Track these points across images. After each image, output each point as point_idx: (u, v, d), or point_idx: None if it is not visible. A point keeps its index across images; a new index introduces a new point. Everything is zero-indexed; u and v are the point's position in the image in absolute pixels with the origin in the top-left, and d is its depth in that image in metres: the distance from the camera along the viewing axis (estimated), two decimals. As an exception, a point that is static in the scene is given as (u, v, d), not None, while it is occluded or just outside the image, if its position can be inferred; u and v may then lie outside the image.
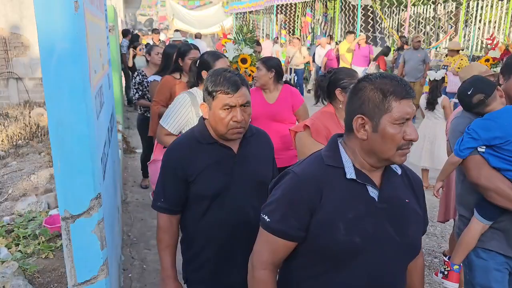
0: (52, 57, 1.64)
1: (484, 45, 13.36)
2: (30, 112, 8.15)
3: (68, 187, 1.75)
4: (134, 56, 8.60)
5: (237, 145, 1.94)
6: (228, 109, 1.82)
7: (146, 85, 4.73)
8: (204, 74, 3.14)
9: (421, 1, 11.90)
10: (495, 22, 12.41)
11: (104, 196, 2.38)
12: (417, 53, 8.19)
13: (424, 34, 12.66)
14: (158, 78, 4.26)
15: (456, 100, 5.31)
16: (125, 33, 9.80)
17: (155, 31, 11.23)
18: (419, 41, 8.33)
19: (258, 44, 5.94)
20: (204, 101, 1.93)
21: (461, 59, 7.72)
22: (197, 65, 3.29)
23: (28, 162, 5.61)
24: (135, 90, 4.83)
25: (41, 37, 1.62)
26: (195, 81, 3.21)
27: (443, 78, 5.00)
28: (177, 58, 3.67)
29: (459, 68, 7.57)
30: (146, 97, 4.77)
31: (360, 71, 9.91)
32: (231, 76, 1.83)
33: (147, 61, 5.06)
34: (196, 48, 4.08)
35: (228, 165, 1.90)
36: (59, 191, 1.77)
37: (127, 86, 9.45)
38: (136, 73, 4.92)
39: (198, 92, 2.90)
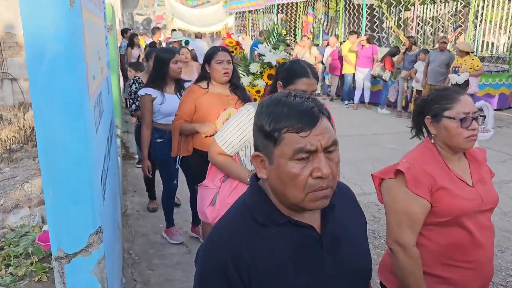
0: (41, 62, 1.34)
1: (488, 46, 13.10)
2: (25, 115, 7.82)
3: (62, 221, 1.45)
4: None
5: (317, 217, 1.13)
6: (303, 158, 1.01)
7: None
8: (207, 67, 3.02)
9: (429, 0, 11.61)
10: (496, 23, 12.14)
11: (104, 222, 2.07)
12: (441, 55, 7.81)
13: (430, 34, 12.39)
14: (150, 91, 3.57)
15: (481, 105, 5.05)
16: (123, 33, 9.46)
17: (156, 29, 10.86)
18: (445, 42, 7.98)
19: (287, 45, 5.42)
20: (257, 149, 1.10)
21: (472, 59, 7.43)
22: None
23: (22, 168, 5.29)
24: (131, 100, 4.20)
25: (28, 37, 1.31)
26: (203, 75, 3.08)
27: (466, 82, 4.65)
28: (204, 64, 3.05)
29: (471, 68, 7.30)
30: None
31: (364, 72, 9.61)
32: (301, 102, 1.03)
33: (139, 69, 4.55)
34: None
35: (314, 257, 1.09)
36: (50, 225, 1.46)
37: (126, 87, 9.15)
38: (131, 80, 4.28)
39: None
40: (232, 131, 2.24)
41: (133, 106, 4.20)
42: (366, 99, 9.87)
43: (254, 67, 3.32)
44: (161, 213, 4.28)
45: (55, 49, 1.32)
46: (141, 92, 3.60)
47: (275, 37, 3.41)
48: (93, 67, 2.19)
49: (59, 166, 1.41)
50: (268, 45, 3.33)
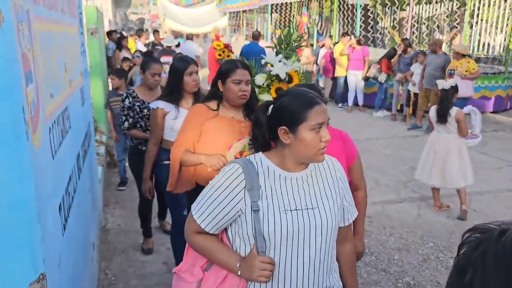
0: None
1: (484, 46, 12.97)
2: None
3: (-4, 271, 1.26)
4: (129, 69, 6.92)
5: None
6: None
7: (138, 110, 3.52)
8: (220, 84, 2.42)
9: (424, 0, 11.44)
10: (492, 23, 12.01)
11: (63, 255, 1.89)
12: (437, 58, 7.63)
13: (426, 36, 12.23)
14: (163, 104, 3.05)
15: (468, 110, 4.89)
16: (108, 34, 9.23)
17: (140, 31, 10.50)
18: (436, 45, 7.78)
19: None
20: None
21: (468, 62, 7.27)
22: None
23: None
24: (124, 117, 3.55)
25: None
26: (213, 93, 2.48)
27: (454, 87, 4.49)
28: (216, 81, 2.45)
29: (466, 71, 7.14)
30: (139, 125, 3.55)
31: (357, 75, 9.41)
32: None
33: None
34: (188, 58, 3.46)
35: None
36: (-17, 275, 1.28)
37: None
38: (124, 94, 3.64)
39: (263, 159, 1.56)
40: (215, 201, 1.52)
41: (126, 124, 3.55)
42: (360, 102, 9.71)
43: (260, 79, 2.81)
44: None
45: (-22, 77, 1.13)
46: (153, 105, 3.10)
47: (288, 44, 2.85)
48: (52, 84, 2.00)
49: (-9, 209, 1.22)
50: (273, 52, 2.83)
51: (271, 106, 1.52)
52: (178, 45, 12.00)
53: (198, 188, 2.43)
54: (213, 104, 2.47)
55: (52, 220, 1.69)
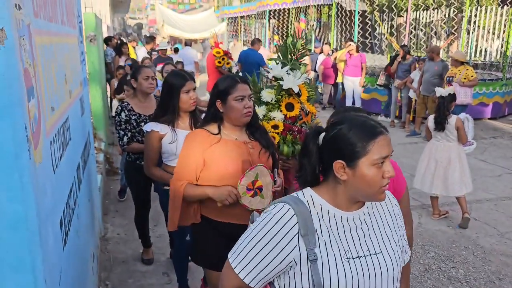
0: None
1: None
2: None
3: (-4, 292, 1.24)
4: (123, 77, 6.51)
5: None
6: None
7: (135, 124, 3.32)
8: (219, 104, 2.16)
9: (422, 7, 11.49)
10: (489, 29, 12.06)
11: (64, 269, 1.86)
12: (434, 65, 7.64)
13: (423, 42, 12.26)
14: (157, 126, 2.73)
15: (461, 117, 4.88)
16: (107, 41, 9.22)
17: (150, 39, 10.33)
18: (433, 51, 7.80)
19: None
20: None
21: (467, 69, 7.27)
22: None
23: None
24: (122, 132, 3.32)
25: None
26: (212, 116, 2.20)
27: (452, 95, 4.48)
28: (214, 101, 2.20)
29: (465, 78, 7.15)
30: (135, 140, 3.34)
31: (354, 81, 9.39)
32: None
33: (133, 87, 3.47)
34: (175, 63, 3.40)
35: None
36: (-17, 297, 1.26)
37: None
38: (119, 107, 3.35)
39: (314, 196, 1.33)
40: (262, 251, 1.26)
41: (125, 139, 3.32)
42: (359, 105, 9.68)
43: (268, 95, 2.57)
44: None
45: (-21, 96, 1.11)
46: (147, 127, 2.76)
47: (293, 54, 2.61)
48: (52, 97, 1.98)
49: (-9, 230, 1.20)
50: (278, 63, 2.58)
51: (323, 134, 1.31)
52: (176, 51, 12.03)
53: (203, 222, 2.25)
54: (213, 128, 2.19)
55: (53, 237, 1.66)
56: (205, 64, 8.43)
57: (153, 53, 9.94)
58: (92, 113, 5.35)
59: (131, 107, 3.35)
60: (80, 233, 2.56)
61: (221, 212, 2.12)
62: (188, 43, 11.81)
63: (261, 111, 2.57)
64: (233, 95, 2.12)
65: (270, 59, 2.76)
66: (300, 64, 2.63)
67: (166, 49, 9.12)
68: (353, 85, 9.39)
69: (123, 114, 3.31)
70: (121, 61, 8.37)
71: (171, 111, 2.73)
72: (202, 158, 2.12)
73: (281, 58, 2.63)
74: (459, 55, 7.39)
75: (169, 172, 2.69)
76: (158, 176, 2.82)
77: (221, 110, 2.17)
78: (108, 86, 8.93)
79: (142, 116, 3.34)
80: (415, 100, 8.33)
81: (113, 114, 6.51)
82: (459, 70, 7.24)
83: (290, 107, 2.57)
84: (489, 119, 9.41)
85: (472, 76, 7.09)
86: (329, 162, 1.27)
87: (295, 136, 2.53)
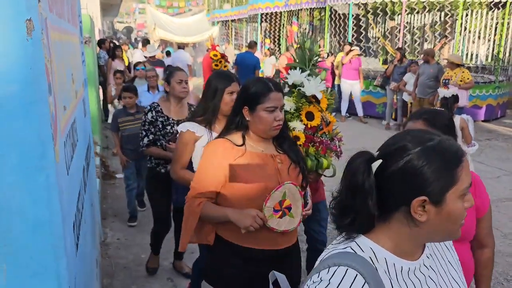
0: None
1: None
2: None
3: (19, 301, 1.16)
4: (133, 79, 6.47)
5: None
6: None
7: (160, 126, 3.13)
8: (246, 112, 1.89)
9: (415, 10, 11.59)
10: (480, 33, 12.23)
11: (78, 274, 1.78)
12: (429, 68, 7.68)
13: (418, 45, 12.35)
14: (194, 127, 2.49)
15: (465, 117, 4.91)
16: (100, 43, 9.11)
17: (146, 42, 10.26)
18: (428, 54, 7.85)
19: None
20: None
21: (463, 72, 7.31)
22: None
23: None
24: (143, 132, 3.15)
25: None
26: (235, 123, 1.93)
27: (455, 96, 4.51)
28: (240, 106, 1.92)
29: (461, 81, 7.19)
30: (159, 144, 3.15)
31: (352, 84, 9.37)
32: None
33: (165, 91, 3.24)
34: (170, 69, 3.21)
35: None
36: (4, 306, 1.17)
37: (105, 99, 8.77)
38: (148, 107, 3.19)
39: (375, 248, 1.05)
40: None
41: (146, 140, 3.14)
42: (360, 113, 9.58)
43: (289, 103, 2.38)
44: (143, 241, 3.99)
45: (7, 91, 1.04)
46: (182, 127, 2.51)
47: (310, 59, 2.46)
48: (64, 95, 1.90)
49: (13, 233, 1.13)
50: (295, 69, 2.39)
51: (378, 164, 0.99)
52: (168, 54, 11.95)
53: (220, 244, 1.94)
54: (237, 138, 1.91)
55: (69, 240, 1.59)
56: (196, 67, 8.38)
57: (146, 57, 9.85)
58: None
59: (161, 108, 3.15)
60: (86, 238, 2.47)
61: (243, 236, 1.82)
62: (181, 46, 11.73)
63: (298, 125, 2.40)
64: (264, 104, 1.84)
65: (289, 65, 2.66)
66: (316, 69, 2.51)
67: (155, 56, 9.02)
68: (352, 88, 9.36)
69: (149, 115, 3.14)
70: (119, 65, 8.26)
71: (211, 112, 2.46)
72: (224, 173, 1.84)
73: (299, 63, 2.48)
74: (455, 57, 7.43)
75: None
76: (186, 179, 2.44)
77: (247, 119, 1.89)
78: (100, 89, 8.82)
79: (171, 119, 3.13)
80: (410, 103, 8.36)
81: (109, 119, 6.43)
82: (455, 73, 7.27)
83: (310, 116, 2.40)
84: (482, 121, 9.49)
85: (468, 78, 7.13)
86: (395, 200, 0.99)
87: (318, 148, 2.38)
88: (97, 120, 6.56)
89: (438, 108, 1.79)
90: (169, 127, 3.11)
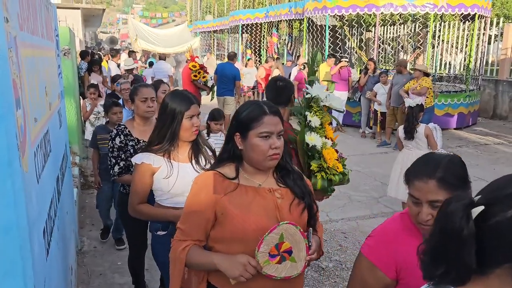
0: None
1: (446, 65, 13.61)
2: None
3: (-13, 297, 1.27)
4: (112, 94, 6.22)
5: None
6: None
7: (132, 151, 2.83)
8: (238, 139, 1.65)
9: (389, 22, 11.98)
10: (453, 43, 12.67)
11: (47, 279, 1.88)
12: (402, 77, 7.98)
13: (392, 56, 12.73)
14: (150, 158, 2.27)
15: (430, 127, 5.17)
16: (83, 55, 9.17)
17: (115, 51, 10.36)
18: (400, 65, 8.15)
19: None
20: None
21: (423, 80, 7.62)
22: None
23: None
24: (113, 160, 2.85)
25: None
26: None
27: (420, 106, 4.75)
28: (231, 133, 1.68)
29: (419, 87, 7.53)
30: (132, 169, 2.68)
31: (341, 95, 9.52)
32: None
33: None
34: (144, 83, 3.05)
35: None
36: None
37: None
38: (114, 131, 2.90)
39: None
40: None
41: (117, 168, 2.85)
42: (340, 121, 9.76)
43: (317, 120, 2.31)
44: (120, 249, 4.07)
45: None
46: (136, 159, 2.27)
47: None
48: (35, 108, 2.01)
49: (-17, 236, 1.24)
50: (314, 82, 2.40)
51: (480, 209, 0.85)
52: (151, 65, 12.04)
53: None
54: (229, 170, 1.66)
55: (38, 245, 1.69)
56: (179, 77, 8.49)
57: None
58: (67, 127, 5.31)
59: (129, 131, 2.87)
60: (60, 245, 2.56)
61: (237, 285, 1.56)
62: (162, 57, 11.85)
63: (316, 140, 2.32)
64: (257, 130, 1.59)
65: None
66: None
67: (132, 69, 8.84)
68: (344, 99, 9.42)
69: (117, 140, 2.84)
70: (94, 79, 8.29)
71: (169, 139, 2.25)
72: (213, 210, 1.60)
73: (314, 77, 2.50)
74: (421, 66, 7.75)
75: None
76: (146, 213, 2.33)
77: (240, 147, 1.65)
78: (81, 101, 8.86)
79: (141, 141, 2.85)
80: (380, 112, 8.61)
81: (86, 136, 6.33)
82: (419, 84, 7.59)
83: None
84: (454, 129, 9.81)
85: (422, 86, 7.48)
86: (498, 255, 0.84)
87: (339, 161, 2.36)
88: (76, 131, 6.62)
89: (441, 152, 1.47)
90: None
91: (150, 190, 2.33)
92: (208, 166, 2.26)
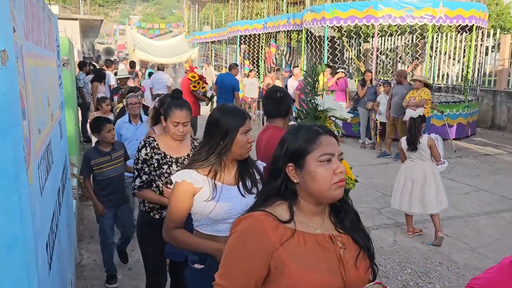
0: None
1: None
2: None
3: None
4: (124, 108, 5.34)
5: None
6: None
7: (156, 165, 2.65)
8: (292, 171, 1.36)
9: (387, 33, 12.05)
10: (450, 54, 12.75)
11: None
12: (403, 88, 7.99)
13: (390, 66, 12.79)
14: (192, 176, 1.96)
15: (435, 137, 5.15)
16: (81, 65, 9.15)
17: (109, 62, 10.35)
18: (400, 75, 8.15)
19: None
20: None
21: (422, 91, 7.61)
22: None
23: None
24: (136, 172, 2.67)
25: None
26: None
27: (422, 117, 4.73)
28: (282, 164, 1.39)
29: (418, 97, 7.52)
30: (155, 186, 2.70)
31: (342, 105, 9.52)
32: None
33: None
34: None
35: None
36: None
37: (84, 120, 8.77)
38: (142, 142, 2.69)
39: None
40: None
41: (138, 181, 2.66)
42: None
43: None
44: (119, 261, 4.00)
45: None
46: (176, 177, 1.96)
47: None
48: (39, 118, 1.97)
49: (-13, 251, 1.19)
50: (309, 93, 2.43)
51: None
52: (150, 75, 12.04)
53: None
54: (281, 210, 1.34)
55: (41, 259, 1.64)
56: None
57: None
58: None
59: (157, 144, 2.66)
60: (60, 258, 2.50)
61: None
62: (160, 67, 11.85)
63: None
64: (314, 154, 1.32)
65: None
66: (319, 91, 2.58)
67: (127, 78, 8.55)
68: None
69: (143, 152, 2.65)
70: (102, 88, 8.24)
71: (217, 156, 1.95)
72: (267, 265, 1.28)
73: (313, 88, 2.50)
74: (422, 77, 7.74)
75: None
76: (182, 241, 2.01)
77: (295, 181, 1.34)
78: (79, 111, 8.81)
79: (168, 157, 2.65)
80: (380, 122, 8.61)
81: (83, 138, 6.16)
82: (419, 94, 7.58)
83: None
84: (453, 140, 9.81)
85: (420, 96, 7.47)
86: None
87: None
88: (75, 142, 6.57)
89: None
90: (165, 166, 2.64)
91: (188, 216, 2.02)
92: (255, 190, 2.01)
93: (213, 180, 1.95)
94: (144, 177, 2.65)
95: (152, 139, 2.68)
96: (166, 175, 2.62)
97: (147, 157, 2.64)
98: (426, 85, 7.78)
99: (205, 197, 1.93)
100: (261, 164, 2.12)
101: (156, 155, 2.64)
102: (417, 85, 7.74)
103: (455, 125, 9.82)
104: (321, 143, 1.33)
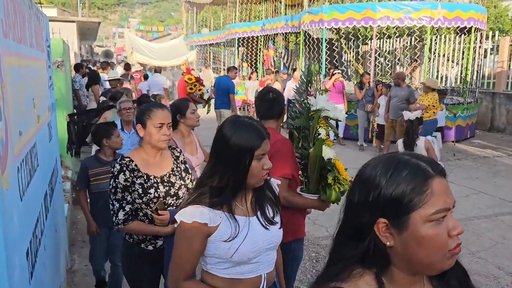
0: None
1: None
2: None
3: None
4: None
5: None
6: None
7: (140, 191, 2.21)
8: (384, 229, 0.90)
9: (385, 35, 12.00)
10: (448, 56, 12.69)
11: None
12: (401, 90, 7.93)
13: (389, 69, 12.74)
14: (203, 214, 1.55)
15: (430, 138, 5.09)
16: (77, 67, 9.08)
17: (105, 64, 10.26)
18: (398, 78, 8.09)
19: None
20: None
21: (432, 95, 7.50)
22: None
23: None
24: (117, 204, 2.21)
25: None
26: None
27: (419, 119, 4.67)
28: (368, 220, 0.92)
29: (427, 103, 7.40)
30: (142, 214, 2.25)
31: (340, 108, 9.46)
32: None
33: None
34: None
35: None
36: None
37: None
38: (117, 166, 2.22)
39: None
40: None
41: (121, 214, 2.21)
42: (340, 134, 9.68)
43: (322, 132, 2.34)
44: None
45: None
46: (183, 216, 1.55)
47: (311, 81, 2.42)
48: (20, 121, 1.89)
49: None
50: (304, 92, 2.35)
51: None
52: (146, 78, 11.96)
53: None
54: (366, 284, 0.94)
55: (19, 269, 1.55)
56: (174, 91, 8.40)
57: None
58: (58, 140, 5.18)
59: (135, 165, 2.22)
60: (47, 265, 2.42)
61: None
62: (157, 70, 11.78)
63: (329, 152, 2.24)
64: (425, 210, 0.89)
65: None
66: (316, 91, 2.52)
67: (117, 80, 8.27)
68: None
69: (121, 177, 2.18)
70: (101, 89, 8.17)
71: (234, 187, 1.57)
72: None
73: (304, 87, 2.45)
74: (431, 82, 7.58)
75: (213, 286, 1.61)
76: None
77: (388, 243, 0.92)
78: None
79: (152, 178, 2.24)
80: (377, 124, 8.54)
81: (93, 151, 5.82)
82: (427, 98, 7.48)
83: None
84: (452, 142, 9.74)
85: (426, 100, 7.34)
86: None
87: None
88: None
89: None
90: (152, 190, 2.21)
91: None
92: (277, 218, 1.67)
93: (231, 214, 1.57)
94: (127, 208, 2.20)
95: (128, 159, 2.22)
96: (155, 200, 2.20)
97: (128, 183, 2.18)
98: (438, 90, 7.61)
99: (225, 236, 1.54)
100: (275, 181, 1.78)
101: (138, 179, 2.20)
102: (424, 89, 7.59)
103: (454, 127, 9.74)
104: (434, 193, 0.90)
